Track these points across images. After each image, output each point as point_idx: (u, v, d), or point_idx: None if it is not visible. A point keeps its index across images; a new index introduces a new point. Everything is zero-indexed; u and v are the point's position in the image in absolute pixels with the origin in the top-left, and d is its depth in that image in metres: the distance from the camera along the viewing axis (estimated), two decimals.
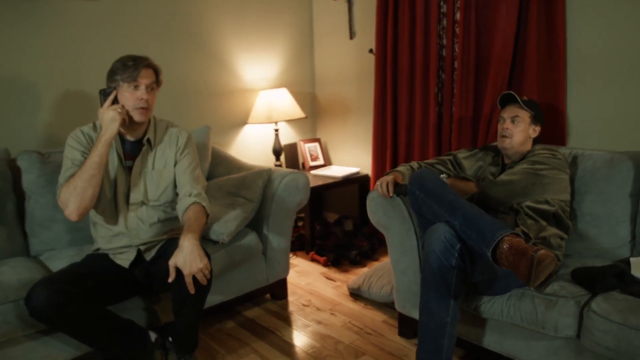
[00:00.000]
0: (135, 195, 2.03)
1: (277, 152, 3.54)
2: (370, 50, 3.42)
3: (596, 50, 2.38)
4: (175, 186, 2.11)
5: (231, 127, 3.50)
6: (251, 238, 2.46)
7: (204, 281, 1.77)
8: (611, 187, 2.06)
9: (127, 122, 1.95)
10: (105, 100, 1.93)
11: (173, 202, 2.12)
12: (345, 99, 3.76)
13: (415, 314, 2.14)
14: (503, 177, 2.07)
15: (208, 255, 1.85)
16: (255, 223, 2.54)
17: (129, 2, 2.90)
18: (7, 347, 1.83)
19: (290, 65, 3.80)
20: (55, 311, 1.70)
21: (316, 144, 3.84)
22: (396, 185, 2.14)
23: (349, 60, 3.66)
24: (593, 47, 2.39)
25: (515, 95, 2.19)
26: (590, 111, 2.44)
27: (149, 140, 2.06)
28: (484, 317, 1.92)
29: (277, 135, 3.54)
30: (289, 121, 3.76)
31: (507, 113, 2.20)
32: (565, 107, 2.49)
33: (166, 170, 2.09)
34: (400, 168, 2.28)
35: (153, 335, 1.99)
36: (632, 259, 1.84)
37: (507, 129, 2.17)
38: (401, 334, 2.35)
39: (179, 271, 1.76)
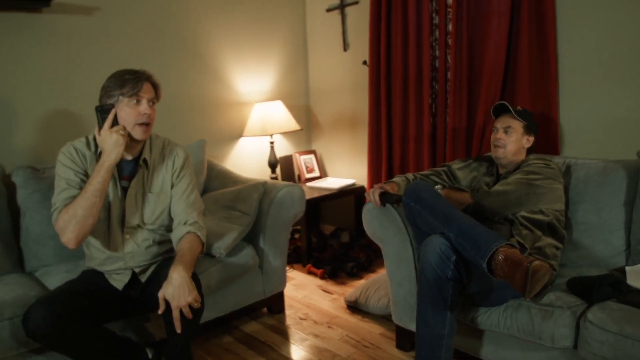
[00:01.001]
0: (131, 219, 1.97)
1: (272, 165, 3.55)
2: (364, 62, 3.44)
3: (587, 59, 2.40)
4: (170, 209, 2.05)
5: (226, 140, 3.51)
6: (247, 252, 2.45)
7: (189, 316, 1.73)
8: (605, 196, 2.08)
9: (128, 142, 1.88)
10: (104, 119, 1.83)
11: (169, 225, 2.06)
12: (340, 110, 3.77)
13: (412, 326, 2.14)
14: (497, 187, 2.08)
15: (199, 285, 1.82)
16: (251, 236, 2.54)
17: (122, 17, 2.91)
18: None
19: (284, 77, 3.81)
20: (53, 332, 1.68)
21: (312, 156, 3.85)
22: (386, 194, 2.14)
23: (343, 72, 3.68)
24: (584, 56, 2.41)
25: (508, 105, 2.20)
26: (583, 120, 2.46)
27: (145, 161, 1.99)
28: (481, 328, 1.92)
29: (272, 147, 3.55)
30: (284, 133, 3.76)
31: (500, 123, 2.21)
32: (557, 116, 2.50)
33: (163, 193, 2.03)
34: (396, 179, 2.30)
35: (150, 352, 1.98)
36: (627, 268, 1.84)
37: (499, 139, 2.19)
38: (399, 346, 2.34)
39: (168, 301, 1.73)
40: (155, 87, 1.95)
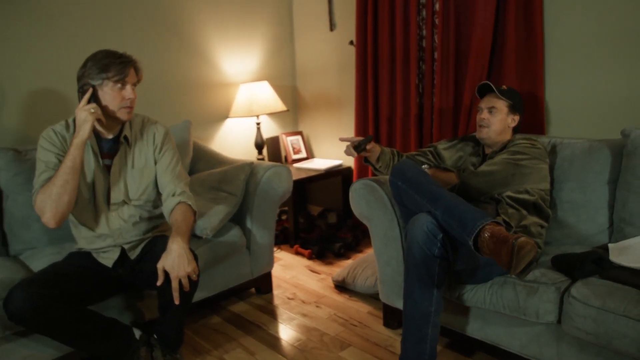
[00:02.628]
0: (116, 195, 1.99)
1: (259, 146, 3.53)
2: (351, 42, 3.42)
3: (574, 38, 2.41)
4: (156, 185, 2.07)
5: (212, 121, 3.48)
6: (235, 232, 2.45)
7: (187, 287, 1.75)
8: (590, 174, 2.10)
9: (104, 121, 1.89)
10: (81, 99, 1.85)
11: (155, 201, 2.08)
12: (327, 91, 3.75)
13: (399, 305, 2.16)
14: (484, 167, 2.09)
15: (196, 258, 1.83)
16: (239, 217, 2.53)
17: None
18: None
19: (270, 58, 3.77)
20: (34, 314, 1.67)
21: (298, 137, 3.84)
22: (359, 143, 2.20)
23: (330, 52, 3.66)
24: (570, 35, 2.41)
25: (492, 85, 2.20)
26: (569, 100, 2.47)
27: (126, 138, 2.00)
28: (467, 305, 1.95)
29: (258, 128, 3.53)
30: (271, 114, 3.74)
31: (485, 103, 2.21)
32: (544, 95, 2.51)
33: (147, 169, 2.04)
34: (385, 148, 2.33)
35: (137, 333, 1.98)
36: (610, 245, 1.88)
37: (484, 119, 2.19)
38: (386, 324, 2.36)
39: (166, 273, 1.74)
40: (137, 71, 1.95)
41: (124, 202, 2.01)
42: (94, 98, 1.86)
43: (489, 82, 2.22)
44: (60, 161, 1.86)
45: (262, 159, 3.55)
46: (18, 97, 2.57)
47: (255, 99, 3.36)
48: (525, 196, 2.00)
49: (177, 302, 1.74)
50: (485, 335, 1.97)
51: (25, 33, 2.57)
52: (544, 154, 2.11)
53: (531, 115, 2.52)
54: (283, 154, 3.81)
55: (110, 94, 1.86)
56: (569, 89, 2.46)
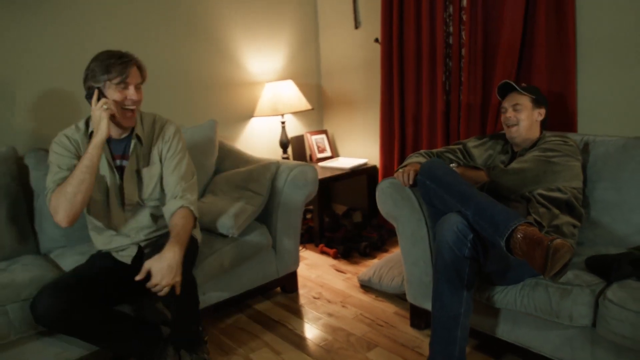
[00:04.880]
0: (130, 196, 1.98)
1: (284, 145, 3.53)
2: (376, 40, 3.39)
3: (607, 34, 2.34)
4: (162, 182, 2.05)
5: (237, 120, 3.48)
6: (260, 231, 2.45)
7: (163, 293, 1.74)
8: (625, 173, 2.03)
9: (118, 115, 1.86)
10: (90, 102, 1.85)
11: (163, 198, 2.07)
12: (352, 89, 3.73)
13: (426, 305, 2.13)
14: (514, 165, 2.05)
15: (191, 264, 1.84)
16: (264, 216, 2.53)
17: None
18: (19, 346, 1.84)
19: (295, 56, 3.77)
20: (60, 318, 1.70)
21: (323, 136, 3.82)
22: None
23: (355, 50, 3.63)
24: (603, 31, 2.34)
25: (512, 83, 2.17)
26: (602, 97, 2.40)
27: (138, 137, 1.98)
28: (497, 307, 1.91)
29: (283, 127, 3.52)
30: (296, 113, 3.74)
31: (508, 102, 2.18)
32: (575, 92, 2.45)
33: (155, 166, 2.03)
34: (416, 159, 2.26)
35: (166, 330, 1.99)
36: None
37: (510, 117, 2.15)
38: (413, 325, 2.34)
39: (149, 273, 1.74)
40: (141, 69, 1.92)
41: (138, 204, 2.01)
42: (102, 97, 1.85)
43: (508, 81, 2.18)
44: (73, 163, 1.86)
45: (287, 158, 3.55)
46: (31, 99, 2.58)
47: (280, 97, 3.36)
48: (557, 194, 1.95)
49: (150, 293, 1.74)
50: (515, 337, 1.93)
51: (37, 33, 2.57)
52: (576, 152, 2.06)
53: (562, 112, 2.46)
54: (308, 153, 3.80)
55: (114, 95, 1.85)
56: (601, 85, 2.39)
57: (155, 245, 1.99)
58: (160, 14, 3.01)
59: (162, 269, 1.72)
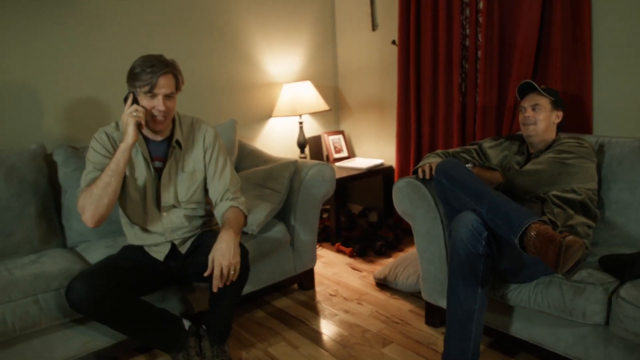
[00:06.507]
0: (166, 198, 2.03)
1: (301, 145, 3.58)
2: (393, 42, 3.43)
3: (622, 36, 2.35)
4: (205, 187, 2.11)
5: (256, 120, 3.55)
6: (279, 229, 2.50)
7: (232, 278, 1.81)
8: None
9: (144, 125, 1.87)
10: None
11: (203, 201, 2.13)
12: (368, 91, 3.77)
13: (441, 303, 2.17)
14: (529, 166, 2.08)
15: (247, 253, 1.89)
16: (283, 214, 2.59)
17: (150, 0, 2.94)
18: (48, 334, 1.92)
19: (313, 58, 3.83)
20: (93, 304, 1.78)
21: (340, 136, 3.87)
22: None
23: (372, 52, 3.68)
24: (619, 33, 2.36)
25: (534, 83, 2.20)
26: (617, 98, 2.41)
27: (178, 142, 2.02)
28: (511, 304, 1.94)
29: (301, 128, 3.58)
30: (313, 114, 3.79)
31: (527, 102, 2.21)
32: (591, 94, 2.47)
33: (197, 172, 2.07)
34: (433, 159, 2.30)
35: (187, 323, 2.06)
36: None
37: (528, 117, 2.18)
38: (428, 322, 2.37)
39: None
40: (175, 76, 1.91)
41: (174, 206, 2.06)
42: (137, 102, 1.88)
43: (530, 81, 2.21)
44: (107, 163, 1.90)
45: (304, 158, 3.60)
46: (60, 103, 2.67)
47: (298, 98, 3.42)
48: (572, 195, 1.98)
49: (214, 289, 1.79)
50: (529, 335, 1.96)
51: (67, 40, 2.66)
52: (591, 153, 2.08)
53: (578, 114, 2.48)
54: (325, 153, 3.85)
55: (143, 102, 1.87)
56: (617, 87, 2.41)
57: (198, 245, 2.05)
58: (182, 21, 3.09)
59: (222, 248, 1.79)
